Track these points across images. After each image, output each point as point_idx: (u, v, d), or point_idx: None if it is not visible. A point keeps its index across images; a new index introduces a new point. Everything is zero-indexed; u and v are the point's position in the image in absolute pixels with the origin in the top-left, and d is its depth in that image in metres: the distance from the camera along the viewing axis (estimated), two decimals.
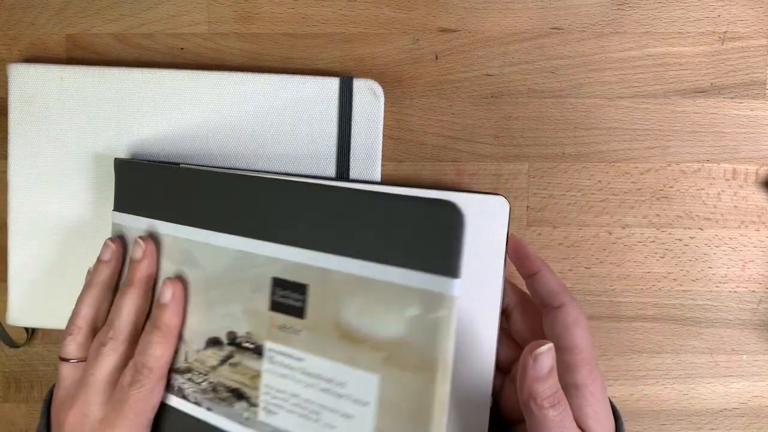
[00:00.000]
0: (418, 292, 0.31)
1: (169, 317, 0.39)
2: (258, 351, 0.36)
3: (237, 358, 0.37)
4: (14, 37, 0.48)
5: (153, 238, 0.41)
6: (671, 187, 0.48)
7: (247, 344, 0.36)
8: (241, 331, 0.37)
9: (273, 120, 0.46)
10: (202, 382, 0.38)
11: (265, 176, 0.37)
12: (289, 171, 0.46)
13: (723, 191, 0.48)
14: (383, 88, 0.46)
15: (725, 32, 0.48)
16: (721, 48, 0.48)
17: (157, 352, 0.38)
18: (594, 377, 0.40)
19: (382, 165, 0.47)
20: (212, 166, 0.44)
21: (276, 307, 0.35)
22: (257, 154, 0.46)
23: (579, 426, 0.39)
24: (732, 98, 0.48)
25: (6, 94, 0.46)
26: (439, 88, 0.48)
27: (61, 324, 0.46)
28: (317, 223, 0.34)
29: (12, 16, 0.48)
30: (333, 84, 0.46)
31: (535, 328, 0.42)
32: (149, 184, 0.41)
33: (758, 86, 0.48)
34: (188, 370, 0.38)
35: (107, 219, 0.46)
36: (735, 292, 0.49)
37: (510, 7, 0.48)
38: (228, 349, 0.37)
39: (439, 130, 0.48)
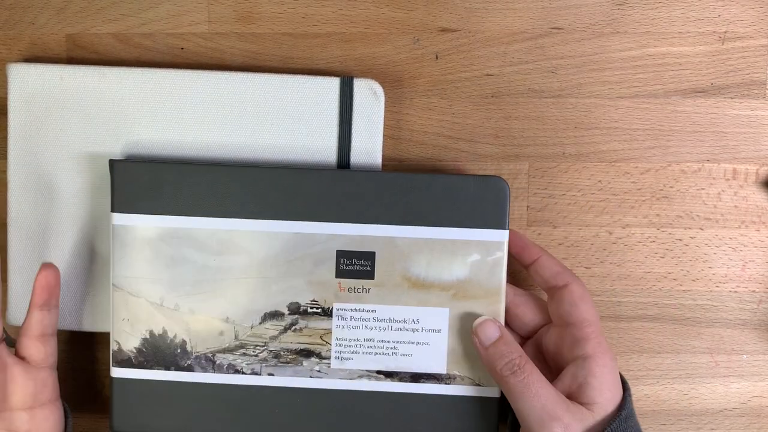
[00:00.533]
0: (478, 243, 0.44)
1: None
2: (326, 313, 0.44)
3: (302, 323, 0.44)
4: (14, 37, 0.48)
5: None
6: (671, 187, 0.48)
7: (313, 309, 0.44)
8: (304, 300, 0.44)
9: (273, 120, 0.46)
10: (260, 352, 0.44)
11: (311, 168, 0.45)
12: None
13: (723, 191, 0.48)
14: (383, 88, 0.46)
15: (725, 32, 0.48)
16: (721, 48, 0.48)
17: None
18: (602, 349, 0.41)
19: (382, 165, 0.47)
20: (205, 161, 0.45)
21: (343, 274, 0.44)
22: (256, 154, 0.46)
23: (578, 397, 0.40)
24: (732, 98, 0.48)
25: (6, 94, 0.46)
26: (439, 88, 0.48)
27: (61, 323, 0.46)
28: (378, 202, 0.43)
29: (12, 16, 0.48)
30: (333, 84, 0.46)
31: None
32: (163, 183, 0.43)
33: (758, 86, 0.48)
34: (241, 346, 0.44)
35: (107, 219, 0.46)
36: (735, 292, 0.49)
37: (510, 7, 0.48)
38: (290, 318, 0.44)
39: (439, 130, 0.48)
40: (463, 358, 0.44)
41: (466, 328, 0.44)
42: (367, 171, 0.45)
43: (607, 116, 0.48)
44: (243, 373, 0.44)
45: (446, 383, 0.44)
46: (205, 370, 0.44)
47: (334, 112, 0.46)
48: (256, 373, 0.44)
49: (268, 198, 0.44)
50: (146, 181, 0.43)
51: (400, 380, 0.44)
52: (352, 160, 0.46)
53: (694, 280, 0.49)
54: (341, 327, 0.44)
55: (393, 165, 0.48)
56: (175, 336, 0.44)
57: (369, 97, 0.46)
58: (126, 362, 0.44)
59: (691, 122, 0.48)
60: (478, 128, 0.48)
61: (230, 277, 0.44)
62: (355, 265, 0.44)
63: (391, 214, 0.44)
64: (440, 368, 0.44)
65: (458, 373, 0.44)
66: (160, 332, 0.44)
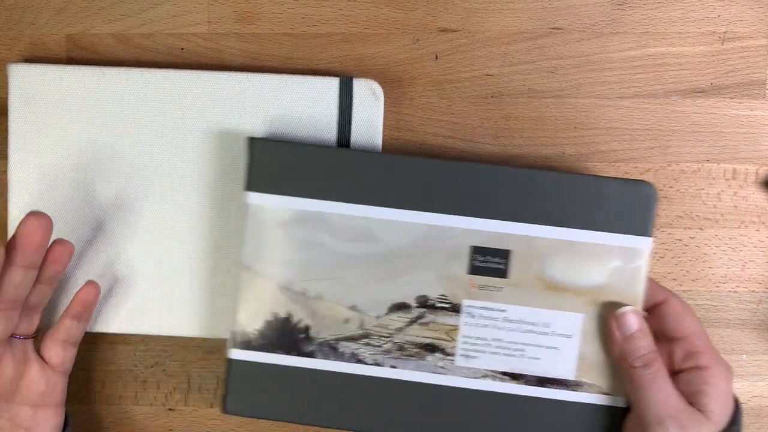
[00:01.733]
0: (620, 249, 0.42)
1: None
2: (455, 309, 0.43)
3: (429, 317, 0.43)
4: (14, 37, 0.48)
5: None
6: (671, 187, 0.48)
7: (442, 304, 0.43)
8: (433, 294, 0.43)
9: (273, 120, 0.46)
10: (385, 343, 0.43)
11: (452, 160, 0.44)
12: None
13: (723, 191, 0.48)
14: (383, 88, 0.46)
15: (725, 32, 0.48)
16: (721, 48, 0.48)
17: None
18: (718, 360, 0.41)
19: None
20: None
21: (475, 270, 0.43)
22: None
23: (694, 403, 0.40)
24: (732, 98, 0.48)
25: (6, 94, 0.46)
26: (439, 88, 0.48)
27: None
28: (518, 199, 0.43)
29: (12, 16, 0.48)
30: (333, 84, 0.46)
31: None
32: (302, 164, 0.43)
33: (758, 86, 0.48)
34: (365, 336, 0.43)
35: (107, 219, 0.46)
36: (735, 292, 0.49)
37: (510, 7, 0.48)
38: (418, 311, 0.43)
39: (439, 130, 0.48)
40: (593, 365, 0.43)
41: (598, 335, 0.43)
42: (510, 167, 0.43)
43: (607, 116, 0.48)
44: (365, 363, 0.43)
45: (573, 390, 0.43)
46: (326, 357, 0.43)
47: (333, 113, 0.46)
48: (378, 364, 0.43)
49: (406, 187, 0.43)
50: (284, 162, 0.43)
51: (526, 383, 0.43)
52: None
53: (693, 280, 0.49)
54: (469, 324, 0.43)
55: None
56: (299, 321, 0.43)
57: (369, 97, 0.46)
58: (246, 344, 0.43)
59: (690, 122, 0.48)
60: (478, 128, 0.48)
61: (361, 265, 0.43)
62: (489, 263, 0.43)
63: (530, 213, 0.43)
64: (568, 374, 0.43)
65: (586, 381, 0.43)
66: (285, 316, 0.43)
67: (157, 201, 0.46)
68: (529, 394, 0.43)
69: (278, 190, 0.43)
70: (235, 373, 0.44)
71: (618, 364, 0.42)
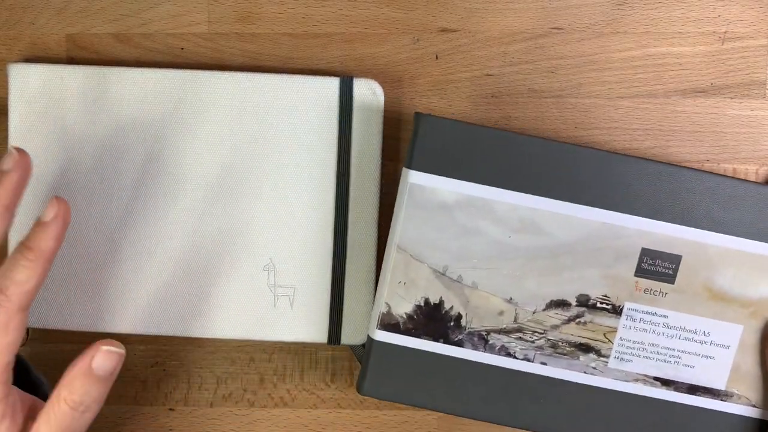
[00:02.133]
0: None
1: (46, 239, 0.34)
2: (615, 311, 0.42)
3: (588, 317, 0.42)
4: (14, 36, 0.48)
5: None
6: None
7: (603, 305, 0.42)
8: (595, 294, 0.42)
9: (273, 120, 0.46)
10: (538, 339, 0.42)
11: (631, 156, 0.42)
12: (288, 172, 0.46)
13: None
14: (383, 88, 0.46)
15: (725, 32, 0.48)
16: (721, 48, 0.48)
17: (20, 276, 0.33)
18: None
19: (382, 165, 0.47)
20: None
21: (643, 273, 0.42)
22: (256, 154, 0.46)
23: None
24: (732, 98, 0.48)
25: (6, 94, 0.46)
26: (439, 88, 0.48)
27: (62, 323, 0.46)
28: (693, 203, 0.41)
29: (12, 16, 0.48)
30: (333, 84, 0.46)
31: None
32: (470, 146, 0.41)
33: (758, 86, 0.48)
34: (518, 330, 0.42)
35: (107, 219, 0.46)
36: None
37: (510, 7, 0.48)
38: (577, 309, 0.42)
39: None
40: (745, 377, 0.43)
41: (756, 348, 0.43)
42: (690, 169, 0.42)
43: (607, 116, 0.48)
44: (515, 357, 0.43)
45: (722, 400, 0.43)
46: (475, 347, 0.43)
47: (334, 112, 0.46)
48: (528, 360, 0.43)
49: (580, 181, 0.41)
50: (452, 142, 0.41)
51: (676, 390, 0.43)
52: (351, 160, 0.46)
53: None
54: (628, 327, 0.42)
55: (393, 165, 0.48)
56: (451, 308, 0.42)
57: (369, 97, 0.46)
58: (393, 327, 0.43)
59: (691, 122, 0.48)
60: None
61: (522, 257, 0.42)
62: (658, 266, 0.42)
63: (706, 219, 0.41)
64: (720, 384, 0.43)
65: (737, 392, 0.43)
66: (437, 302, 0.42)
67: (158, 201, 0.46)
68: (679, 401, 0.43)
69: (442, 171, 0.41)
70: (377, 354, 0.43)
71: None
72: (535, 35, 0.48)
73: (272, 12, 0.48)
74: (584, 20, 0.48)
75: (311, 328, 0.46)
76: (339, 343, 0.47)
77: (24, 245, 0.34)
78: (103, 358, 0.35)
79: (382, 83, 0.47)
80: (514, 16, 0.48)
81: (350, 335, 0.46)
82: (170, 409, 0.49)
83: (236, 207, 0.46)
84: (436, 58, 0.48)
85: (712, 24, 0.48)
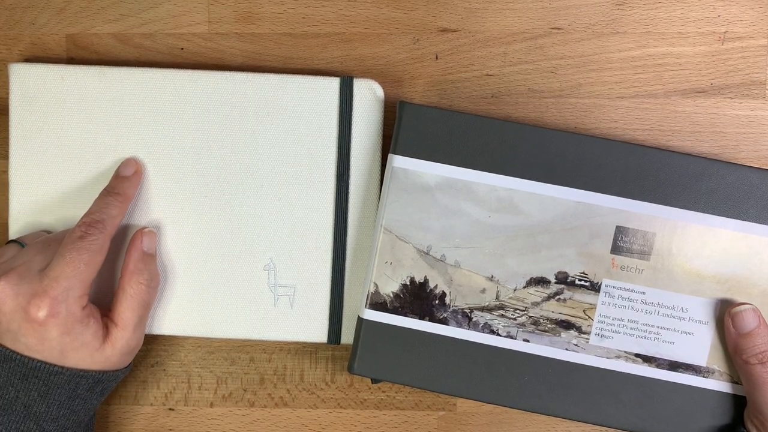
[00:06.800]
0: (765, 240, 0.42)
1: (130, 187, 0.44)
2: (594, 287, 0.43)
3: (567, 294, 0.43)
4: (14, 37, 0.48)
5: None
6: None
7: (581, 282, 0.43)
8: (573, 271, 0.43)
9: (273, 120, 0.46)
10: (520, 316, 0.43)
11: (600, 137, 0.44)
12: (288, 171, 0.46)
13: None
14: (383, 88, 0.46)
15: (725, 32, 0.48)
16: (721, 48, 0.48)
17: (113, 212, 0.43)
18: None
19: (382, 165, 0.47)
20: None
21: (618, 250, 0.43)
22: (257, 154, 0.46)
23: None
24: (732, 98, 0.48)
25: (6, 94, 0.46)
26: (439, 88, 0.48)
27: None
28: (667, 183, 0.43)
29: (12, 16, 0.48)
30: (333, 84, 0.46)
31: None
32: (450, 132, 0.43)
33: (758, 86, 0.48)
34: (500, 307, 0.44)
35: None
36: None
37: (510, 7, 0.48)
38: (556, 287, 0.43)
39: None
40: (725, 353, 0.43)
41: None
42: (662, 150, 0.43)
43: (607, 116, 0.48)
44: (498, 334, 0.44)
45: (703, 376, 0.43)
46: (459, 325, 0.44)
47: (334, 112, 0.46)
48: (511, 337, 0.44)
49: (555, 162, 0.43)
50: (433, 128, 0.43)
51: (658, 366, 0.43)
52: (352, 160, 0.46)
53: None
54: (607, 304, 0.43)
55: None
56: (436, 286, 0.44)
57: (369, 97, 0.46)
58: (380, 306, 0.44)
59: (691, 122, 0.48)
60: None
61: (502, 236, 0.43)
62: (633, 244, 0.43)
63: (679, 197, 0.43)
64: (700, 360, 0.43)
65: (717, 368, 0.43)
66: (422, 281, 0.44)
67: (158, 201, 0.46)
68: (660, 378, 0.43)
69: (425, 156, 0.43)
70: (366, 333, 0.44)
71: (732, 358, 0.43)
72: (535, 35, 0.48)
73: (272, 12, 0.48)
74: (584, 20, 0.48)
75: (311, 328, 0.46)
76: (339, 343, 0.47)
77: (112, 191, 0.43)
78: (149, 239, 0.44)
79: (382, 83, 0.47)
80: (514, 16, 0.48)
81: (350, 335, 0.46)
82: (170, 409, 0.49)
83: (236, 207, 0.46)
84: (436, 58, 0.48)
85: (712, 24, 0.48)
